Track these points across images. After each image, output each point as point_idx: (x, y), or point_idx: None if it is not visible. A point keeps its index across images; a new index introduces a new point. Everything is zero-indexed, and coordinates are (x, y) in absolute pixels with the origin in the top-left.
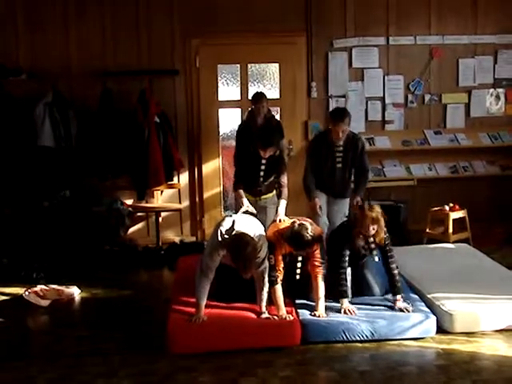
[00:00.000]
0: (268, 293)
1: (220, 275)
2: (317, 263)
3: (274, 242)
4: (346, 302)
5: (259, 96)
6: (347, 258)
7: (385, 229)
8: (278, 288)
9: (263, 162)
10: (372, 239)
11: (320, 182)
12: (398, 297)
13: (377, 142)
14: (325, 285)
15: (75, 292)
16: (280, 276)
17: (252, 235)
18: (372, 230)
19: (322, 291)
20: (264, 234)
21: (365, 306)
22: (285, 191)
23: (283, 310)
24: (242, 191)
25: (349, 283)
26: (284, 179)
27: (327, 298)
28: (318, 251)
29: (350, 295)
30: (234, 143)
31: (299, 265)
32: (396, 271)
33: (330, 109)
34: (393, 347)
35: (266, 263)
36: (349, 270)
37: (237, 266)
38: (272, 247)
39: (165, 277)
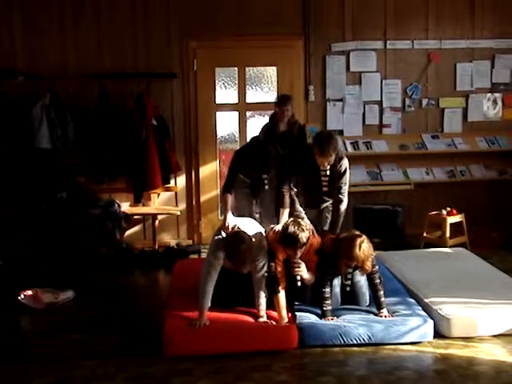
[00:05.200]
0: (269, 299)
1: (219, 282)
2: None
3: (273, 248)
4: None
5: (285, 98)
6: (329, 282)
7: (372, 255)
8: (281, 297)
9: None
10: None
11: (305, 196)
12: (383, 311)
13: (374, 145)
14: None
15: (71, 295)
16: (282, 284)
17: (251, 236)
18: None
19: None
20: (264, 238)
21: (357, 311)
22: (286, 200)
23: (286, 320)
24: (229, 199)
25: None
26: (285, 187)
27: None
28: (312, 260)
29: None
30: (231, 146)
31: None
32: (379, 286)
33: (328, 112)
34: (390, 351)
35: (265, 268)
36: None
37: (231, 260)
38: (272, 255)
39: (161, 280)
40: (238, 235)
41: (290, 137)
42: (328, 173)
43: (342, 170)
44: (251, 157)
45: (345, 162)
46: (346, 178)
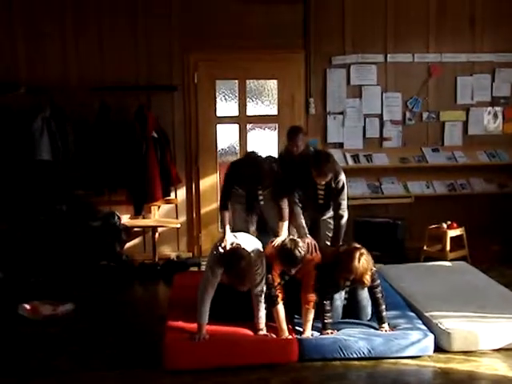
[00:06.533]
0: (268, 312)
1: (217, 295)
2: (310, 290)
3: (271, 260)
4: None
5: (293, 133)
6: (330, 295)
7: (373, 268)
8: (280, 309)
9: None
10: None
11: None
12: (384, 325)
13: (374, 158)
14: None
15: (70, 307)
16: (280, 295)
17: (250, 251)
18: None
19: (310, 316)
20: (263, 252)
21: (358, 325)
22: (284, 213)
23: (286, 333)
24: (226, 216)
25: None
26: (282, 203)
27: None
28: (312, 275)
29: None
30: (231, 159)
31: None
32: (381, 300)
33: (328, 125)
34: (390, 365)
35: (264, 282)
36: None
37: (230, 278)
38: (269, 267)
39: (161, 293)
40: (236, 252)
41: (305, 164)
42: (324, 187)
43: (340, 187)
44: (244, 170)
45: (342, 178)
46: (345, 194)
